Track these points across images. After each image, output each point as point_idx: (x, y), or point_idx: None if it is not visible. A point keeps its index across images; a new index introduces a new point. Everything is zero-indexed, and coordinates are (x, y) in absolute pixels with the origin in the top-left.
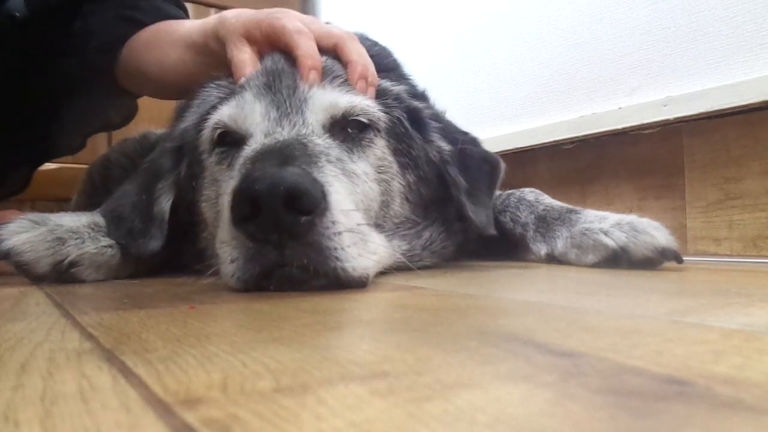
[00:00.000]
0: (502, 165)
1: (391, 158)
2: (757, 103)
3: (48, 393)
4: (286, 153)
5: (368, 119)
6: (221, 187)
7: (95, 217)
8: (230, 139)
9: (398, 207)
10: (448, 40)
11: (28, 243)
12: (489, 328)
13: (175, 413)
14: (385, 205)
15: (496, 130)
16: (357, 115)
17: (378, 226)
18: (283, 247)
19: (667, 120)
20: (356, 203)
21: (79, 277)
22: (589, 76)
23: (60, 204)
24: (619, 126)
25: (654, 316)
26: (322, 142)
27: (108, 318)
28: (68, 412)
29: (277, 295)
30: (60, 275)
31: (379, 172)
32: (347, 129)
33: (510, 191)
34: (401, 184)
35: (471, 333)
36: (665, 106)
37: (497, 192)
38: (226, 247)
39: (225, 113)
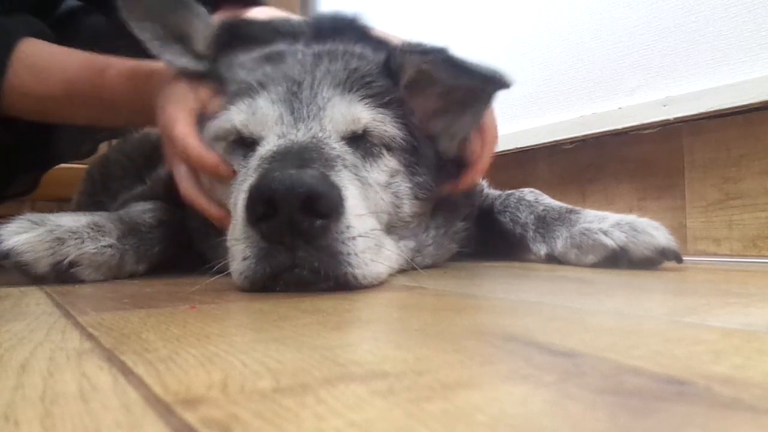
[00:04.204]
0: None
1: (399, 166)
2: (757, 103)
3: (48, 393)
4: (304, 155)
5: (383, 141)
6: (234, 184)
7: (95, 217)
8: (241, 141)
9: (407, 208)
10: (448, 40)
11: (27, 243)
12: (489, 328)
13: (175, 413)
14: (396, 207)
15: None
16: (374, 135)
17: (388, 230)
18: (295, 250)
19: (667, 120)
20: (369, 209)
21: (78, 277)
22: (589, 76)
23: (60, 204)
24: (619, 126)
25: (654, 316)
26: (338, 146)
27: (108, 318)
28: (68, 412)
29: (278, 295)
30: (60, 275)
31: (389, 181)
32: (362, 138)
33: (509, 191)
34: (408, 186)
35: (471, 333)
36: (665, 106)
37: (497, 192)
38: (239, 245)
39: (236, 118)
